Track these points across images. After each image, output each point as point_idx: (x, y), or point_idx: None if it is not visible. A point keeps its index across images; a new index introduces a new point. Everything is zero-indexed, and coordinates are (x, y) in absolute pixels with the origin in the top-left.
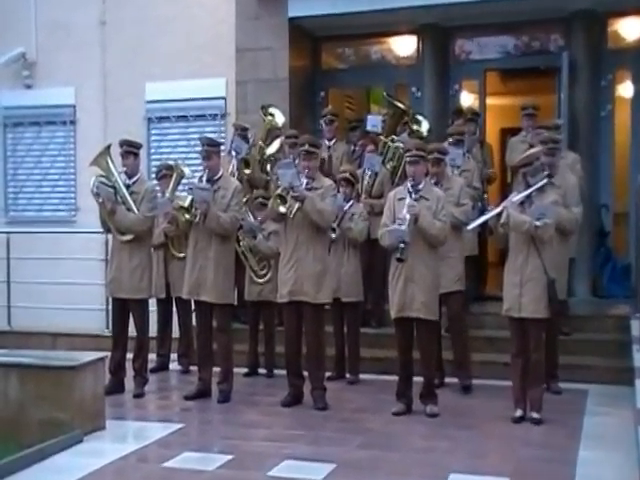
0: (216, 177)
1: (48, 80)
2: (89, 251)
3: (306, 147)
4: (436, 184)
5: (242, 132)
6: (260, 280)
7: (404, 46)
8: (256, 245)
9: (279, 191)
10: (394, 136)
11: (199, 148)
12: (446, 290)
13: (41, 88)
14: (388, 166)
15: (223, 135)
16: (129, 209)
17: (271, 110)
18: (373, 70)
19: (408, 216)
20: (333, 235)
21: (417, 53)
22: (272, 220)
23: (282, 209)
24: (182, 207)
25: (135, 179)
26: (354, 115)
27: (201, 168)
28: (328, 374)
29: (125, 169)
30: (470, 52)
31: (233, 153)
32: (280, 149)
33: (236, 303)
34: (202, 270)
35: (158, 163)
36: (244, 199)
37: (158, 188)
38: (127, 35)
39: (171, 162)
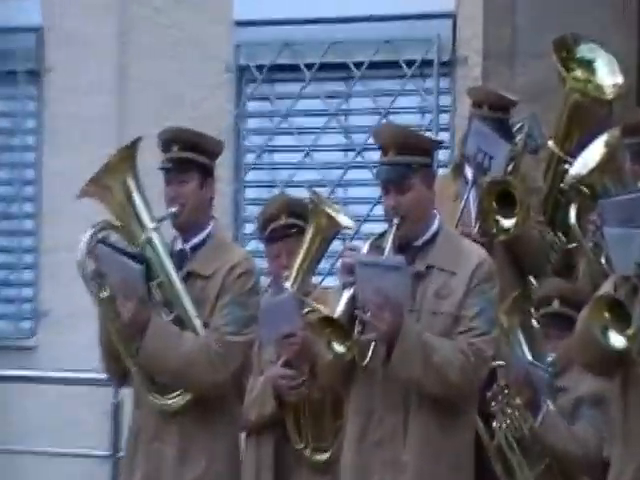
0: (423, 238)
1: None
2: (74, 433)
3: None
4: None
5: (492, 113)
6: None
7: None
8: (541, 435)
9: (609, 287)
10: None
11: (376, 153)
12: None
13: None
14: None
15: (443, 124)
16: (181, 321)
17: (587, 53)
18: None
19: None
20: None
21: None
22: (586, 368)
23: (619, 342)
24: (327, 321)
25: (201, 238)
26: None
27: (382, 214)
28: None
29: (174, 210)
30: None
31: (468, 173)
32: (607, 164)
33: None
34: None
35: (265, 194)
36: (512, 298)
37: (265, 266)
38: None
39: (303, 196)
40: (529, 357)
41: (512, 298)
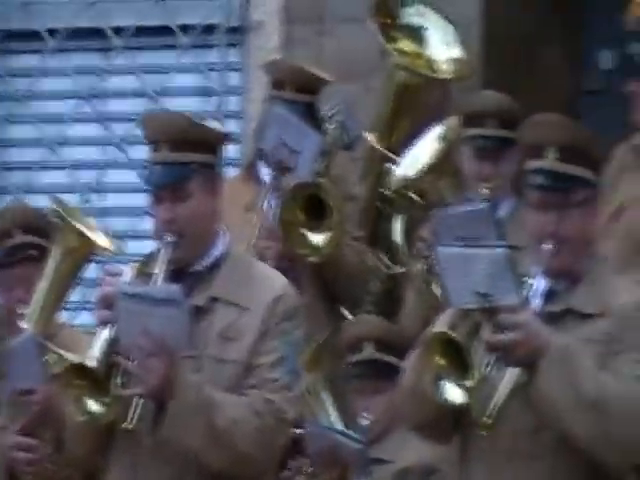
0: (205, 262)
1: None
2: None
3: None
4: None
5: (297, 95)
6: None
7: None
8: None
9: (443, 324)
10: None
11: (144, 149)
12: None
13: None
14: None
15: (232, 110)
16: None
17: (415, 18)
18: None
19: None
20: None
21: None
22: (416, 430)
23: (456, 396)
24: (78, 371)
25: None
26: None
27: (151, 229)
28: None
29: None
30: None
31: (265, 175)
32: (443, 163)
33: None
34: None
35: None
36: (316, 341)
37: None
38: None
39: (45, 205)
40: (337, 422)
41: (315, 345)
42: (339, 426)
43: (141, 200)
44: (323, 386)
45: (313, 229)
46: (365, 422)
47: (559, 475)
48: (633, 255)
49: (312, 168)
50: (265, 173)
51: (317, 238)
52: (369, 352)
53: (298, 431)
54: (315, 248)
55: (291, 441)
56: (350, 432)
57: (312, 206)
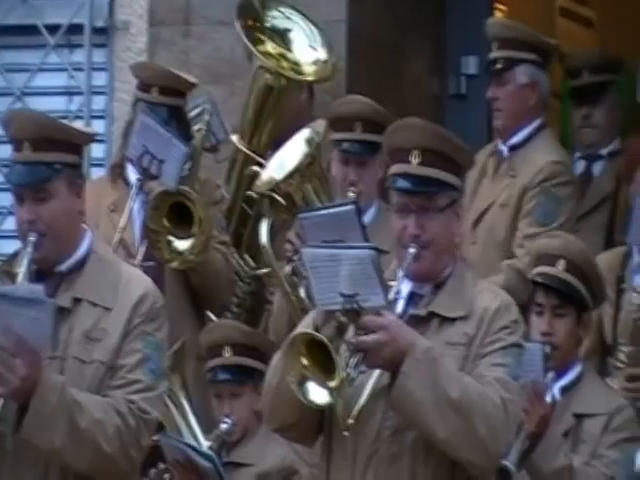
0: (69, 262)
1: None
2: None
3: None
4: None
5: (163, 98)
6: None
7: None
8: None
9: (308, 325)
10: None
11: (7, 148)
12: None
13: None
14: None
15: (97, 110)
16: None
17: (280, 21)
18: None
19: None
20: None
21: None
22: (280, 432)
23: (321, 397)
24: None
25: None
26: None
27: (14, 229)
28: None
29: None
30: None
31: (131, 176)
32: (309, 166)
33: None
34: None
35: None
36: (176, 345)
37: None
38: None
39: None
40: (195, 428)
41: (173, 350)
42: (197, 431)
43: (5, 199)
44: (182, 391)
45: (178, 236)
46: (225, 426)
47: (419, 475)
48: (495, 256)
49: (177, 176)
50: (132, 174)
51: (182, 245)
52: (227, 356)
53: (155, 438)
54: (180, 254)
55: (151, 448)
56: (202, 448)
57: (178, 212)
